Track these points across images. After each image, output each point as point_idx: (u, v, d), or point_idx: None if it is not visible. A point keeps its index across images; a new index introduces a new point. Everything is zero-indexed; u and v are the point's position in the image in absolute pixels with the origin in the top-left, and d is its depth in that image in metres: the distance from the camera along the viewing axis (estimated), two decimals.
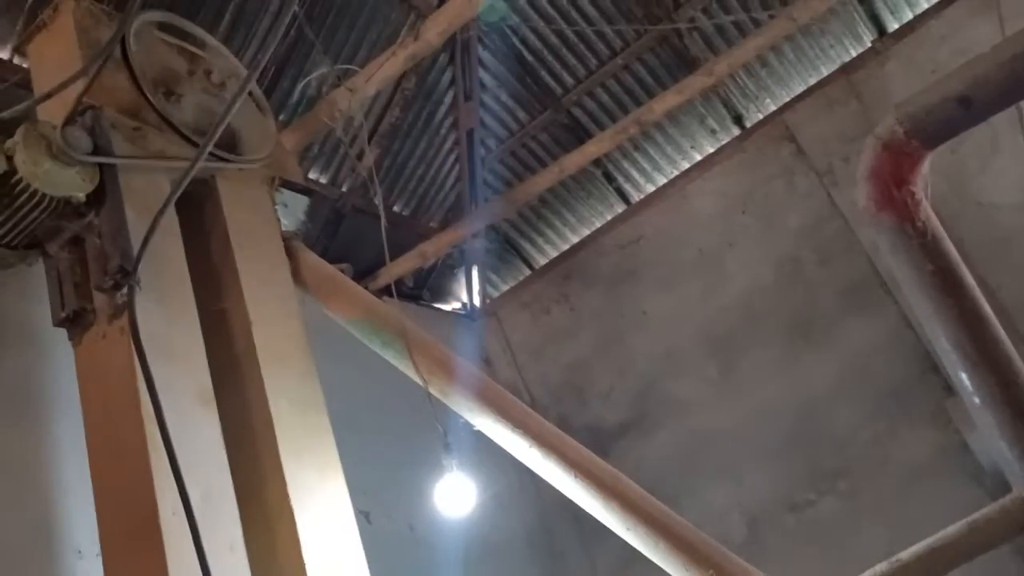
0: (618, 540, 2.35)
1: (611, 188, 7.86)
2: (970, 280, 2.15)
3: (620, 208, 7.88)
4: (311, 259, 3.28)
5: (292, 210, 6.33)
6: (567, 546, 6.84)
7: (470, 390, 2.73)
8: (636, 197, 7.83)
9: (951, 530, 1.83)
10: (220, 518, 2.18)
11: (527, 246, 8.22)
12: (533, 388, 7.34)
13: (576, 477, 2.30)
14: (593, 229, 7.95)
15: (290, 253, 3.20)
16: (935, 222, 2.29)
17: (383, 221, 3.62)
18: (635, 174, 7.78)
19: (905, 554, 1.83)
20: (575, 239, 8.05)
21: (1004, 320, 5.86)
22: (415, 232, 7.35)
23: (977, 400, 2.02)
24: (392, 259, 6.66)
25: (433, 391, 2.80)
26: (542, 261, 8.20)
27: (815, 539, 5.93)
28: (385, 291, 6.67)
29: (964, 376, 2.04)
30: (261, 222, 3.21)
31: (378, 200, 4.12)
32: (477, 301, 8.08)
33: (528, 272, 8.21)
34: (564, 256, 7.98)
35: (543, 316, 7.65)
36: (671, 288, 7.20)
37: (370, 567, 2.63)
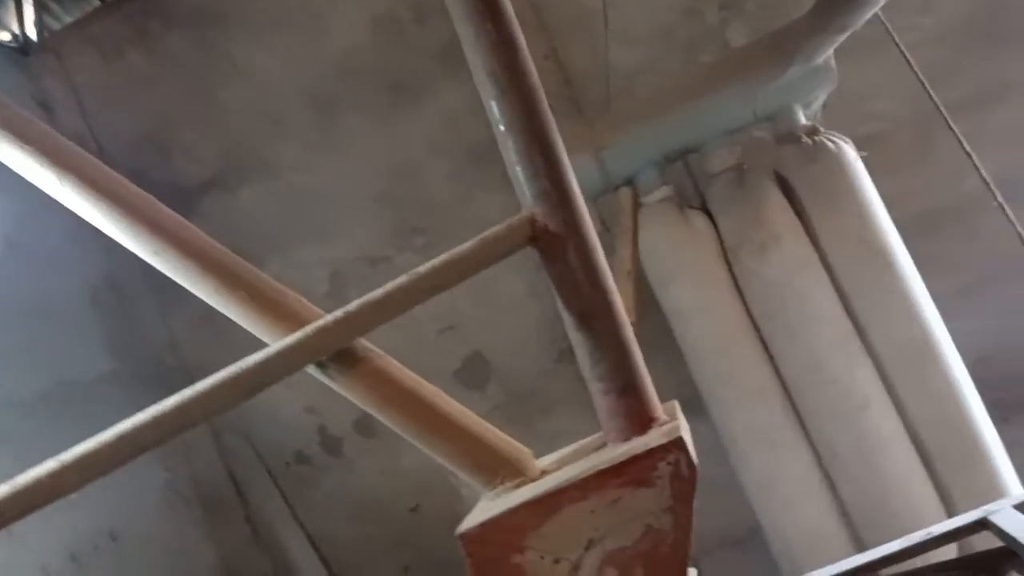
0: (194, 295, 2.18)
1: None
2: (510, 12, 2.18)
3: None
4: None
5: None
6: (139, 302, 6.46)
7: None
8: None
9: (464, 246, 1.95)
10: None
11: None
12: (103, 138, 6.49)
13: (92, 196, 2.01)
14: None
15: None
16: None
17: None
18: None
19: (422, 268, 1.92)
20: None
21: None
22: None
23: (502, 127, 2.11)
24: None
25: None
26: None
27: None
28: None
29: (494, 104, 2.11)
30: None
31: None
32: (31, 32, 6.77)
33: (97, 3, 7.00)
34: None
35: (116, 57, 6.65)
36: (266, 40, 6.64)
37: None
